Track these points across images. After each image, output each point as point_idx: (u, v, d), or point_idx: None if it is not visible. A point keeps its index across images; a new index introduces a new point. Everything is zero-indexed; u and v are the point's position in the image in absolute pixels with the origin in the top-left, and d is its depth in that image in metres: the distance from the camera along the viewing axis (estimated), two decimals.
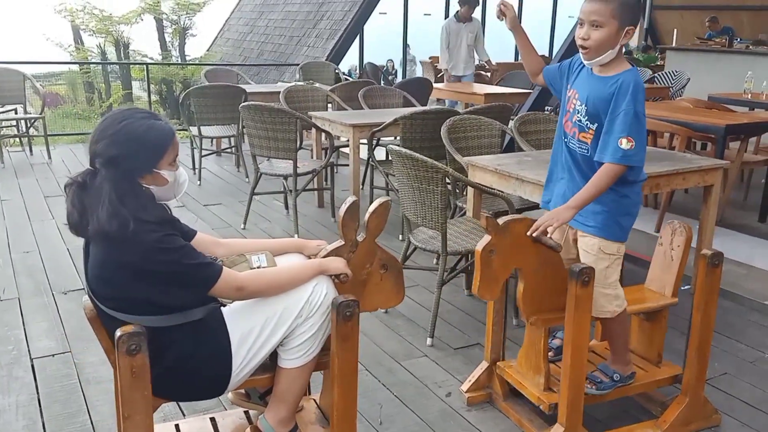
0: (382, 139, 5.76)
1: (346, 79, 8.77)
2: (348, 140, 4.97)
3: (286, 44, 14.14)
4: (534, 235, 2.25)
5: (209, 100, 6.25)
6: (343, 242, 2.13)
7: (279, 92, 6.15)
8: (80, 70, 14.62)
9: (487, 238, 2.22)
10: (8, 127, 7.64)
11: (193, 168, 6.70)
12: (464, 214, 3.86)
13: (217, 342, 1.96)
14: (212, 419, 2.34)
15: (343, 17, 12.70)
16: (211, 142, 7.33)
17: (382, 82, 11.54)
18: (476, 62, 8.84)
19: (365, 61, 12.62)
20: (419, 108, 5.42)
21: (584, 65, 2.41)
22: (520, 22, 2.62)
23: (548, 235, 2.27)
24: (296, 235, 4.75)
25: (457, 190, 4.23)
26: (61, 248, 4.51)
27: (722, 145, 4.79)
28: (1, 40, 15.79)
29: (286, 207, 5.59)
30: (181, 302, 1.91)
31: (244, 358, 1.99)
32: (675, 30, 11.05)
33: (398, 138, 4.72)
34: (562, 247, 2.53)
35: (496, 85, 8.39)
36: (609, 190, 2.31)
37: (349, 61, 13.18)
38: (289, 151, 4.74)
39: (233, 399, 2.34)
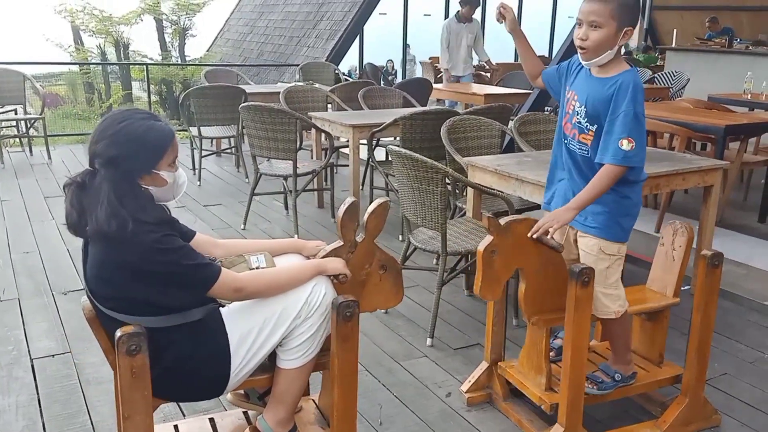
0: (381, 139, 5.77)
1: (346, 80, 8.77)
2: (348, 141, 4.97)
3: (285, 45, 14.14)
4: (535, 236, 2.25)
5: (209, 101, 6.25)
6: (341, 243, 2.13)
7: (279, 93, 6.15)
8: (80, 70, 14.62)
9: (488, 238, 2.22)
10: (8, 127, 7.64)
11: (193, 168, 6.70)
12: (464, 214, 3.86)
13: (215, 343, 1.96)
14: (211, 420, 2.33)
15: (342, 18, 12.70)
16: (211, 142, 7.33)
17: (381, 82, 11.54)
18: (474, 63, 8.85)
19: (365, 61, 12.63)
20: (419, 108, 5.41)
21: (582, 66, 2.41)
22: (520, 23, 2.62)
23: (549, 236, 2.27)
24: (296, 236, 4.75)
25: (457, 191, 4.24)
26: (61, 249, 4.51)
27: (722, 145, 4.79)
28: (1, 41, 15.80)
29: (286, 207, 5.59)
30: (180, 303, 1.91)
31: (243, 359, 1.99)
32: (675, 30, 11.06)
33: (398, 138, 4.72)
34: (568, 248, 2.53)
35: (496, 85, 8.39)
36: (610, 190, 2.31)
37: (349, 62, 13.18)
38: (288, 152, 4.74)
39: (232, 399, 2.34)
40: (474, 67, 9.03)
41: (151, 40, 14.65)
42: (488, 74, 10.49)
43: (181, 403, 2.66)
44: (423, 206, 3.23)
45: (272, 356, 2.08)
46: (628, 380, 2.57)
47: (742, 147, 5.18)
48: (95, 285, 1.91)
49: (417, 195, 3.25)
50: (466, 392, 2.78)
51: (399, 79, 13.39)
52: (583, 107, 2.37)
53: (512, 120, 4.56)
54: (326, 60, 11.09)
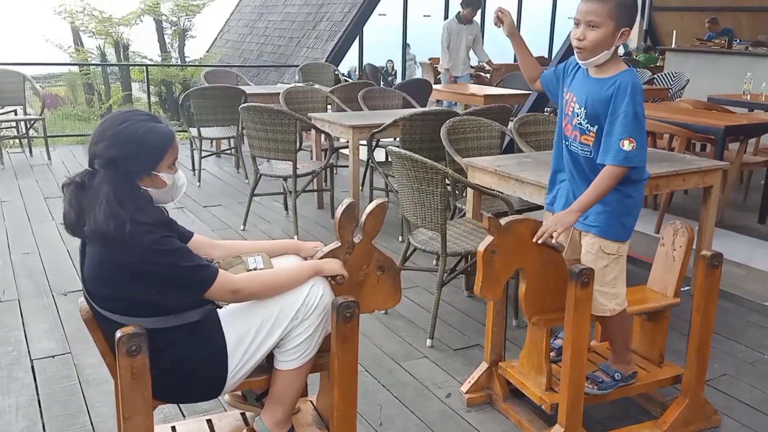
0: (381, 140, 5.78)
1: (346, 81, 8.77)
2: (347, 141, 4.97)
3: (285, 45, 14.14)
4: (540, 241, 2.25)
5: (209, 102, 6.25)
6: (339, 244, 2.13)
7: (278, 93, 6.16)
8: (80, 71, 14.63)
9: (489, 238, 2.22)
10: (8, 128, 7.64)
11: (193, 169, 6.70)
12: (464, 215, 3.86)
13: (213, 344, 1.96)
14: (209, 421, 2.33)
15: (342, 18, 12.71)
16: (211, 143, 7.33)
17: (381, 83, 11.55)
18: (473, 63, 8.86)
19: (365, 62, 12.63)
20: (419, 109, 5.42)
21: (579, 67, 2.42)
22: (519, 24, 2.63)
23: (553, 240, 2.28)
24: (296, 237, 4.76)
25: (457, 192, 4.24)
26: (61, 249, 4.51)
27: (721, 146, 4.80)
28: (1, 42, 15.80)
29: (286, 208, 5.59)
30: (178, 304, 1.91)
31: (240, 360, 1.98)
32: (674, 31, 11.08)
33: (398, 139, 4.72)
34: (569, 247, 2.54)
35: (497, 86, 8.39)
36: (613, 190, 2.32)
37: (349, 63, 13.18)
38: (288, 153, 4.74)
39: (230, 401, 2.34)
40: (473, 67, 9.04)
41: (151, 41, 14.67)
42: (488, 75, 10.49)
43: (181, 404, 2.66)
44: (423, 207, 3.23)
45: (270, 357, 2.08)
46: (628, 380, 2.57)
47: (741, 148, 5.18)
48: (93, 286, 1.91)
49: (417, 196, 3.25)
50: (466, 393, 2.78)
51: (399, 79, 13.40)
52: (582, 109, 2.37)
53: (512, 121, 4.56)
54: (326, 61, 11.09)
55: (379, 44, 14.06)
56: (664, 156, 3.83)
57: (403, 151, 3.24)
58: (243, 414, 2.36)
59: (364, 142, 4.88)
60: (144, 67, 11.69)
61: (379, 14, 13.21)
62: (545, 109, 6.49)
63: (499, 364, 2.75)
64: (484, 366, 2.79)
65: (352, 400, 2.09)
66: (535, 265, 2.31)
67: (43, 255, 4.42)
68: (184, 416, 2.62)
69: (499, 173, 3.37)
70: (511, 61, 11.59)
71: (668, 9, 13.39)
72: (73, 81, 15.23)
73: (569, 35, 2.54)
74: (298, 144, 4.88)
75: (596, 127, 2.34)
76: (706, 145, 5.82)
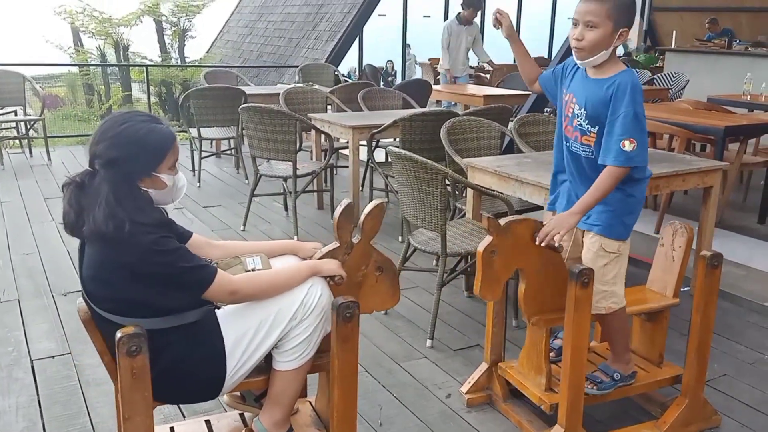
0: (381, 140, 5.78)
1: (346, 81, 8.78)
2: (347, 142, 4.97)
3: (285, 46, 14.15)
4: (543, 245, 2.25)
5: (209, 102, 6.25)
6: (338, 244, 2.13)
7: (278, 94, 6.16)
8: (80, 72, 14.62)
9: (488, 238, 2.23)
10: (8, 128, 7.64)
11: (193, 170, 6.70)
12: (464, 215, 3.86)
13: (211, 344, 1.96)
14: (207, 422, 2.33)
15: (342, 19, 12.71)
16: (211, 143, 7.33)
17: (381, 83, 11.55)
18: (472, 63, 8.86)
19: (364, 62, 12.63)
20: (419, 110, 5.42)
21: (578, 68, 2.42)
22: (519, 24, 2.63)
23: (556, 244, 2.28)
24: (296, 237, 4.76)
25: (457, 192, 4.24)
26: (61, 250, 4.52)
27: (721, 146, 4.80)
28: (1, 42, 15.81)
29: (286, 209, 5.59)
30: (176, 304, 1.91)
31: (239, 361, 1.98)
32: (674, 31, 11.08)
33: (398, 140, 4.72)
34: (572, 246, 2.54)
35: (497, 86, 8.40)
36: (615, 189, 2.32)
37: (349, 63, 13.18)
38: (288, 153, 4.74)
39: (228, 401, 2.34)
40: (472, 68, 9.04)
41: (151, 42, 14.66)
42: (487, 75, 10.50)
43: (180, 405, 2.66)
44: (423, 207, 3.23)
45: (268, 358, 2.08)
46: (627, 380, 2.57)
47: (741, 148, 5.18)
48: (91, 286, 1.91)
49: (417, 196, 3.25)
50: (466, 393, 2.79)
51: (398, 80, 13.40)
52: (582, 110, 2.37)
53: (512, 121, 4.57)
54: (326, 61, 11.10)
55: (378, 45, 14.05)
56: (664, 156, 3.83)
57: (403, 152, 3.25)
58: (242, 415, 2.36)
59: (364, 142, 4.88)
60: (144, 68, 11.69)
61: (379, 15, 13.21)
62: (545, 110, 6.50)
63: (499, 364, 2.75)
64: (484, 366, 2.79)
65: (352, 400, 2.09)
66: (534, 265, 2.31)
67: (43, 255, 4.42)
68: (184, 417, 2.62)
69: (498, 174, 3.37)
70: (512, 62, 11.59)
71: (668, 9, 13.38)
72: (73, 81, 15.23)
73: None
74: (298, 144, 4.88)
75: (597, 127, 2.34)
76: (705, 145, 5.82)
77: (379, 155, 5.82)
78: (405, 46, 13.67)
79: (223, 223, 5.26)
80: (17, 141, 7.96)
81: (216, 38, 17.68)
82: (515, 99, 7.02)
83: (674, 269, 2.67)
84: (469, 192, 3.70)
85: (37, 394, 2.80)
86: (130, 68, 13.91)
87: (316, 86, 6.79)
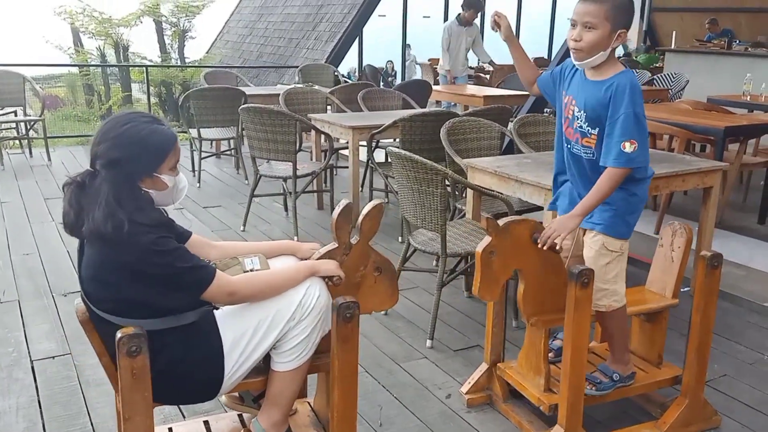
0: (381, 141, 5.78)
1: (346, 82, 8.78)
2: (347, 142, 4.97)
3: (285, 46, 14.16)
4: (545, 248, 2.25)
5: (209, 103, 6.25)
6: (336, 245, 2.13)
7: (278, 94, 6.16)
8: (80, 72, 14.63)
9: (487, 239, 2.23)
10: (8, 129, 7.64)
11: (193, 170, 6.70)
12: (464, 215, 3.86)
13: (209, 345, 1.96)
14: (206, 422, 2.33)
15: (342, 19, 12.72)
16: (211, 144, 7.32)
17: (381, 84, 11.55)
18: (470, 64, 8.87)
19: (364, 63, 12.64)
20: (418, 110, 5.42)
21: (576, 70, 2.42)
22: (519, 25, 2.63)
23: (557, 246, 2.28)
24: (296, 238, 4.76)
25: (457, 192, 4.24)
26: (61, 250, 4.52)
27: (721, 146, 4.80)
28: (1, 42, 15.81)
29: (286, 209, 5.59)
30: (175, 305, 1.91)
31: (237, 362, 1.98)
32: (674, 32, 11.07)
33: (397, 140, 4.72)
34: (574, 245, 2.54)
35: (497, 87, 8.40)
36: (618, 188, 2.32)
37: (349, 64, 13.19)
38: (288, 153, 4.74)
39: (227, 402, 2.34)
40: (472, 68, 9.05)
41: (151, 42, 14.67)
42: (487, 75, 10.50)
43: (180, 405, 2.66)
44: (423, 208, 3.24)
45: (267, 358, 2.08)
46: (626, 380, 2.57)
47: (741, 148, 5.19)
48: (91, 286, 1.91)
49: (417, 196, 3.25)
50: (466, 394, 2.79)
51: (398, 80, 13.41)
52: (582, 112, 2.37)
53: (512, 121, 4.57)
54: (326, 62, 11.10)
55: (378, 45, 14.07)
56: (664, 157, 3.83)
57: (403, 152, 3.25)
58: (240, 415, 2.36)
59: (364, 143, 4.89)
60: (144, 68, 11.70)
61: (379, 15, 13.22)
62: (545, 110, 6.50)
63: (498, 364, 2.75)
64: (484, 367, 2.79)
65: (352, 400, 2.09)
66: (533, 265, 2.31)
67: (43, 256, 4.42)
68: (184, 417, 2.62)
69: (498, 174, 3.37)
70: (512, 63, 11.61)
71: (668, 10, 13.38)
72: (72, 82, 15.24)
73: None
74: (297, 145, 4.88)
75: (597, 129, 2.34)
76: (705, 145, 5.83)
77: (379, 156, 5.82)
78: (405, 46, 13.67)
79: (223, 223, 5.26)
80: (17, 141, 7.96)
81: (216, 39, 17.69)
82: (515, 99, 7.02)
83: (673, 270, 2.67)
84: (469, 192, 3.71)
85: (38, 395, 2.81)
86: (130, 69, 13.92)
87: (316, 87, 6.79)
